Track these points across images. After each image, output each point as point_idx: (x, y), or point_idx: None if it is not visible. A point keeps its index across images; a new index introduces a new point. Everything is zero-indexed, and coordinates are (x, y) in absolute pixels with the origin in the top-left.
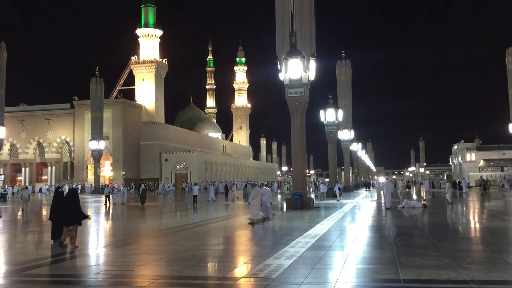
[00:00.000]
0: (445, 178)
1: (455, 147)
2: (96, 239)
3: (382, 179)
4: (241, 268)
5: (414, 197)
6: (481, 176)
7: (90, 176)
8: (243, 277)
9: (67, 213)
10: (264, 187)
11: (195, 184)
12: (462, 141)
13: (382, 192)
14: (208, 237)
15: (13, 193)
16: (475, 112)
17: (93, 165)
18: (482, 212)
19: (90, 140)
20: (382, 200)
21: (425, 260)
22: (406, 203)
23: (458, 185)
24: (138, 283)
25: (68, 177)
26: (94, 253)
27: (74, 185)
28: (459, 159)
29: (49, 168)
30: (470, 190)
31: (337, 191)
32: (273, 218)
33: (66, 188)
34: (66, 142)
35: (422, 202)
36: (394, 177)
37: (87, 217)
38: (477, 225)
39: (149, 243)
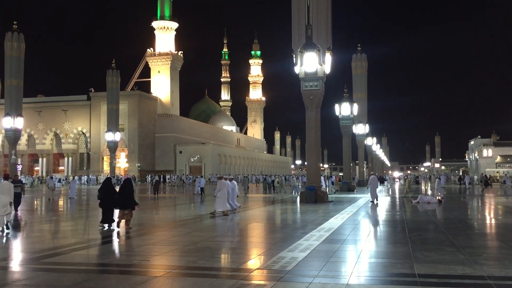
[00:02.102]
0: (461, 173)
1: (472, 142)
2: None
3: (396, 174)
4: (255, 260)
5: (429, 192)
6: (482, 173)
7: (106, 167)
8: (257, 268)
9: (123, 199)
10: (228, 181)
11: (202, 176)
12: (479, 136)
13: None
14: (222, 228)
15: (32, 183)
16: (492, 107)
17: (109, 156)
18: (484, 207)
19: (106, 132)
20: (397, 195)
21: (441, 255)
22: (421, 198)
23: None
24: (153, 273)
25: (84, 168)
26: (109, 243)
27: (132, 175)
28: (476, 154)
29: (66, 158)
30: (478, 185)
31: (330, 185)
32: (234, 212)
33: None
34: (83, 133)
35: (437, 197)
36: (408, 172)
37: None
38: (493, 221)
39: (163, 233)
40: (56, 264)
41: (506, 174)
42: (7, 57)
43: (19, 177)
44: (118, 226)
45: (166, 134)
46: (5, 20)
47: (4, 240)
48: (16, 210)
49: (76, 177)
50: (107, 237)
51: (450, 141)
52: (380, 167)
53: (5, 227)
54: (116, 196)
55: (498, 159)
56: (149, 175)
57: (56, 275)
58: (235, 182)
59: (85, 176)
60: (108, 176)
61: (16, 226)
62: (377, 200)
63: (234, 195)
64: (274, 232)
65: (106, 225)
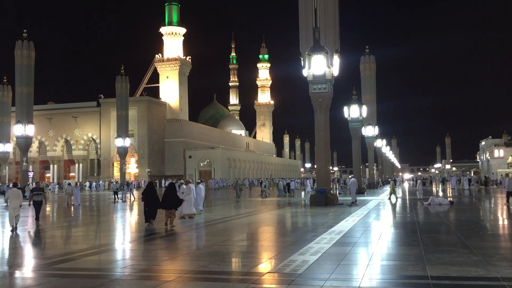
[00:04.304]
0: (472, 174)
1: (483, 143)
2: (122, 234)
3: (407, 175)
4: (266, 264)
5: (440, 193)
6: (478, 174)
7: (116, 173)
8: (268, 272)
9: (168, 201)
10: (195, 184)
11: (202, 181)
12: (490, 136)
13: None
14: (232, 232)
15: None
16: (503, 107)
17: (119, 162)
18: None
19: (115, 138)
20: (407, 197)
21: (453, 257)
22: (432, 200)
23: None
24: (164, 278)
25: (95, 174)
26: (120, 248)
27: (175, 180)
28: (487, 155)
29: (77, 165)
30: (474, 186)
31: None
32: (200, 213)
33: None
34: (93, 139)
35: (449, 199)
36: (419, 173)
37: (181, 203)
38: (505, 222)
39: (174, 238)
40: (68, 269)
41: (502, 175)
42: (17, 65)
43: (40, 184)
44: (166, 224)
45: (175, 139)
46: (15, 29)
47: (13, 240)
48: (37, 219)
49: (78, 184)
50: (117, 243)
51: (460, 142)
52: (390, 169)
53: (14, 227)
54: (161, 199)
55: (510, 159)
56: (143, 180)
57: (67, 280)
58: (202, 187)
59: (88, 182)
60: (151, 181)
61: (32, 232)
62: (356, 201)
63: (200, 199)
64: (285, 235)
65: (152, 222)
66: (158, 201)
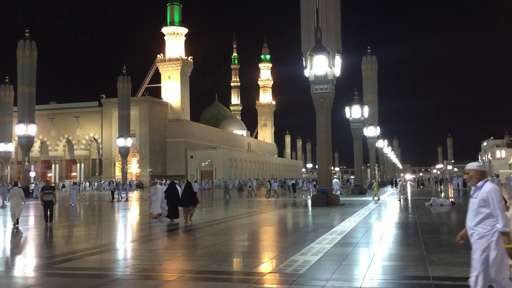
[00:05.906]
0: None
1: (485, 143)
2: (123, 234)
3: (408, 176)
4: (268, 264)
5: (442, 194)
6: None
7: (118, 173)
8: (269, 272)
9: (186, 198)
10: (162, 186)
11: (195, 181)
12: (492, 137)
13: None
14: (233, 233)
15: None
16: (505, 108)
17: (121, 162)
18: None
19: (117, 137)
20: (408, 197)
21: (455, 257)
22: (434, 200)
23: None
24: (166, 277)
25: (97, 174)
26: (122, 248)
27: (194, 179)
28: (489, 156)
29: (78, 164)
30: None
31: (273, 188)
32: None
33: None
34: (95, 139)
35: (450, 199)
36: (421, 174)
37: (198, 201)
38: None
39: (175, 238)
40: (70, 269)
41: (493, 176)
42: (19, 65)
43: (51, 183)
44: (185, 221)
45: (177, 139)
46: (17, 28)
47: (15, 232)
48: (50, 220)
49: (75, 184)
50: (118, 243)
51: (462, 143)
52: (392, 170)
53: (16, 221)
54: (180, 197)
55: None
56: (134, 181)
57: (70, 280)
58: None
59: (84, 182)
60: (173, 181)
61: (34, 232)
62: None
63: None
64: (286, 236)
65: (174, 220)
66: (179, 199)
